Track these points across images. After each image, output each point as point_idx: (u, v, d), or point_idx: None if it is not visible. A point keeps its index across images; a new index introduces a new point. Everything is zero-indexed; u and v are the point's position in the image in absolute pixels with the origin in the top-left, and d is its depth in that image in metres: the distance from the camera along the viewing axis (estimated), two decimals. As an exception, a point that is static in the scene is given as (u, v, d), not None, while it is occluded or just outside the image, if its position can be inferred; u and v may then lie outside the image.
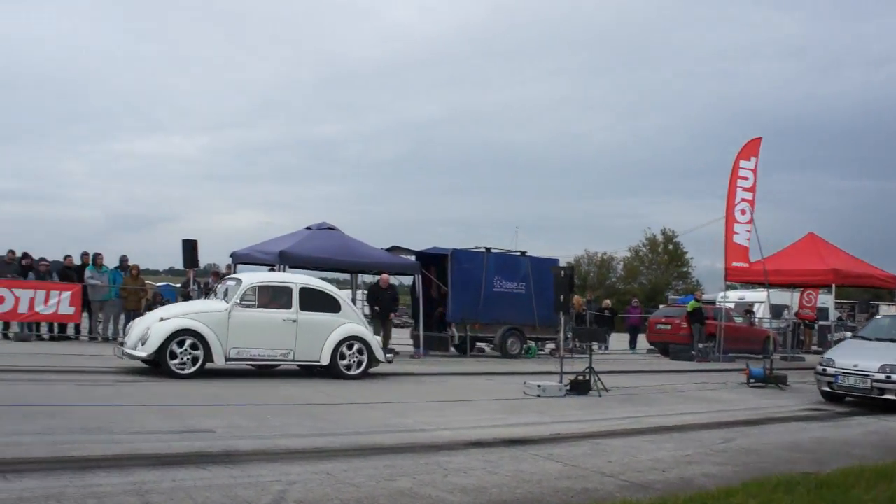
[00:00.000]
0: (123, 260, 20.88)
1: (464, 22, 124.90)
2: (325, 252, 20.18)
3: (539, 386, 13.35)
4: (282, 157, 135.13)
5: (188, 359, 12.72)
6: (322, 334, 13.90)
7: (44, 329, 19.21)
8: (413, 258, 21.95)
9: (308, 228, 21.27)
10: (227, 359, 13.08)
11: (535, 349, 23.02)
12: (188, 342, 12.74)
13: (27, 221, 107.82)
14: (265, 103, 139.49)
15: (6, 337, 18.49)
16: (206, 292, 20.26)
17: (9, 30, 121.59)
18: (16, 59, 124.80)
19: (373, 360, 14.36)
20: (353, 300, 24.09)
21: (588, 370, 13.97)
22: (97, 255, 20.07)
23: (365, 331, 14.51)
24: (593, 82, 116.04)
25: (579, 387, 13.71)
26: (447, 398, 12.60)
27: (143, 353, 12.74)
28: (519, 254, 23.12)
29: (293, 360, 13.78)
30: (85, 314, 19.83)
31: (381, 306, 19.76)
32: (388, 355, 15.03)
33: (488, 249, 22.27)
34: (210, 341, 12.88)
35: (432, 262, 21.89)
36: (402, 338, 22.41)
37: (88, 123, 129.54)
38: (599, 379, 13.92)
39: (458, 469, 7.28)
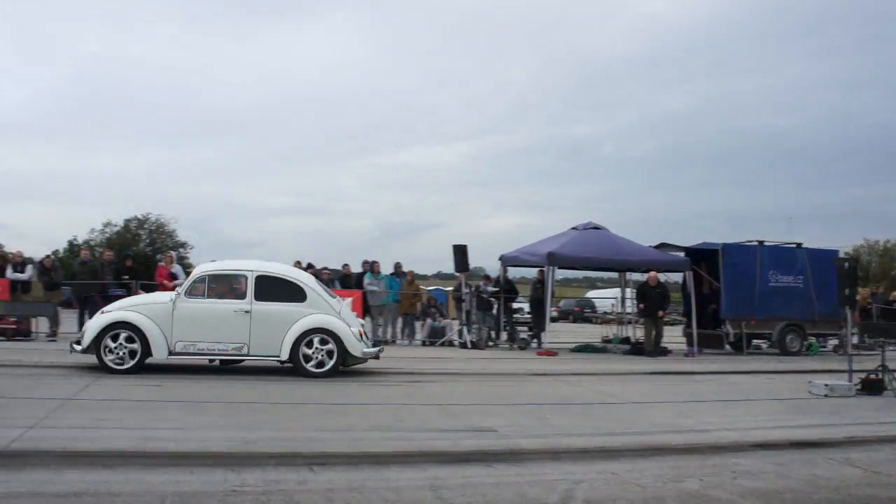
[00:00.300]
0: (398, 267, 22.01)
1: (715, 6, 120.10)
2: (592, 252, 20.36)
3: (826, 385, 12.62)
4: (538, 159, 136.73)
5: (125, 353, 12.15)
6: (281, 326, 12.64)
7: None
8: (682, 255, 21.50)
9: (574, 229, 21.52)
10: (172, 353, 12.39)
11: (818, 346, 21.77)
12: (123, 336, 12.17)
13: (307, 234, 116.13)
14: (520, 108, 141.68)
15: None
16: (479, 295, 20.96)
17: (288, 64, 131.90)
18: (292, 86, 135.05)
19: (345, 356, 12.84)
20: (623, 298, 24.23)
21: (881, 368, 13.03)
22: (374, 263, 21.35)
23: (336, 322, 12.86)
24: (863, 59, 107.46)
25: (872, 386, 12.82)
26: (727, 397, 12.25)
27: (79, 349, 12.36)
28: (794, 246, 21.97)
29: (248, 355, 12.69)
30: (367, 319, 21.04)
31: (648, 304, 19.55)
32: (375, 349, 13.49)
33: (761, 242, 21.41)
34: (149, 334, 12.21)
35: (702, 257, 21.33)
36: (674, 336, 21.98)
37: (355, 140, 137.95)
38: (895, 378, 12.93)
39: (747, 472, 7.07)
